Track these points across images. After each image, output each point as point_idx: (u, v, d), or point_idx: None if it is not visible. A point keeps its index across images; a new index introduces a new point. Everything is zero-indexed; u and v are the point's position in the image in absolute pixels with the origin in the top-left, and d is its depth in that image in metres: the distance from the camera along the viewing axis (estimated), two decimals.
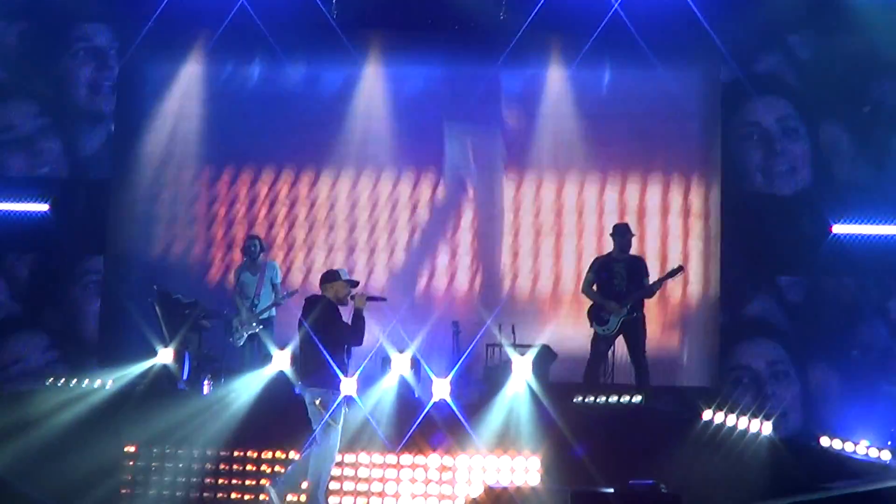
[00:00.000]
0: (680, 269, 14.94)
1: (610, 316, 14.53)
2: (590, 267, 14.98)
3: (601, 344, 14.71)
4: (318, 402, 12.05)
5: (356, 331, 12.21)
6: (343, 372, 12.10)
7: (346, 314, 12.40)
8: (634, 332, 14.55)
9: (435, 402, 13.66)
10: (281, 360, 14.68)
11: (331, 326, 12.16)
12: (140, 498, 13.61)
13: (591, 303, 14.87)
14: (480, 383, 15.74)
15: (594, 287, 14.75)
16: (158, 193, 18.65)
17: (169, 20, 17.36)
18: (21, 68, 18.21)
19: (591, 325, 14.75)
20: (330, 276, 12.48)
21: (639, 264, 14.84)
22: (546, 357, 15.10)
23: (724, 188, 17.57)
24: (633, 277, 14.62)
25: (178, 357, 15.13)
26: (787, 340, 17.09)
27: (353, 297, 12.38)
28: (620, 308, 14.45)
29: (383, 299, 13.64)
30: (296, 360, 12.54)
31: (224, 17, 17.23)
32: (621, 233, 14.91)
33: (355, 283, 12.63)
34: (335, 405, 12.07)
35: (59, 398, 14.06)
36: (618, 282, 14.61)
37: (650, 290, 14.74)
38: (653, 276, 15.00)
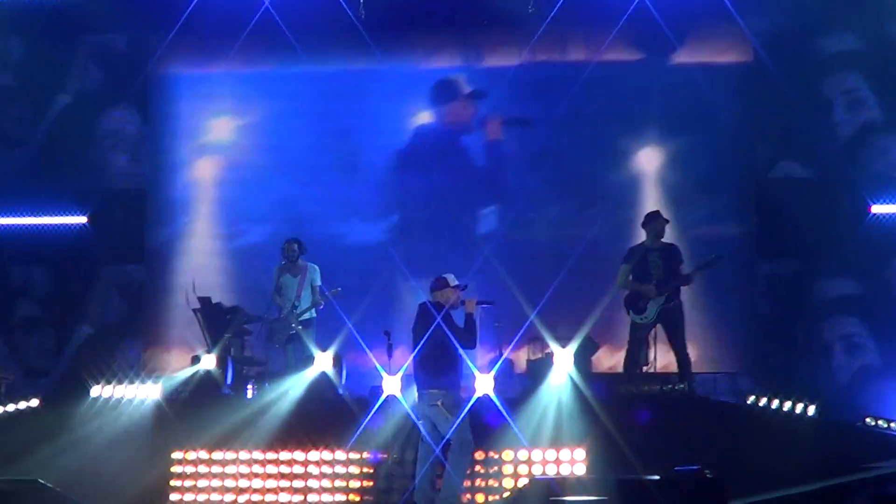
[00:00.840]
0: (719, 257, 14.78)
1: (647, 304, 14.47)
2: (624, 257, 14.90)
3: (639, 332, 14.66)
4: (440, 402, 12.22)
5: (469, 334, 12.41)
6: (460, 374, 12.34)
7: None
8: (673, 320, 14.48)
9: (478, 398, 13.69)
10: (323, 361, 14.77)
11: (443, 332, 12.34)
12: (191, 503, 13.71)
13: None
14: (524, 377, 15.76)
15: (630, 277, 14.69)
16: (195, 201, 18.75)
17: (196, 25, 17.51)
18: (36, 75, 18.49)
19: (629, 315, 14.70)
20: (439, 284, 12.66)
21: (673, 252, 14.72)
22: (587, 348, 15.10)
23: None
24: (668, 266, 14.55)
25: (221, 362, 15.22)
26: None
27: (463, 302, 12.50)
28: (658, 294, 14.39)
29: (491, 303, 13.84)
30: (418, 366, 12.62)
31: (249, 20, 17.39)
32: (654, 220, 14.84)
33: (463, 287, 12.72)
34: (459, 403, 12.24)
35: (105, 407, 14.20)
36: (654, 271, 14.53)
37: (688, 279, 14.61)
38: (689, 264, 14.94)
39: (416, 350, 12.52)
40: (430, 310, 12.54)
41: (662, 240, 14.74)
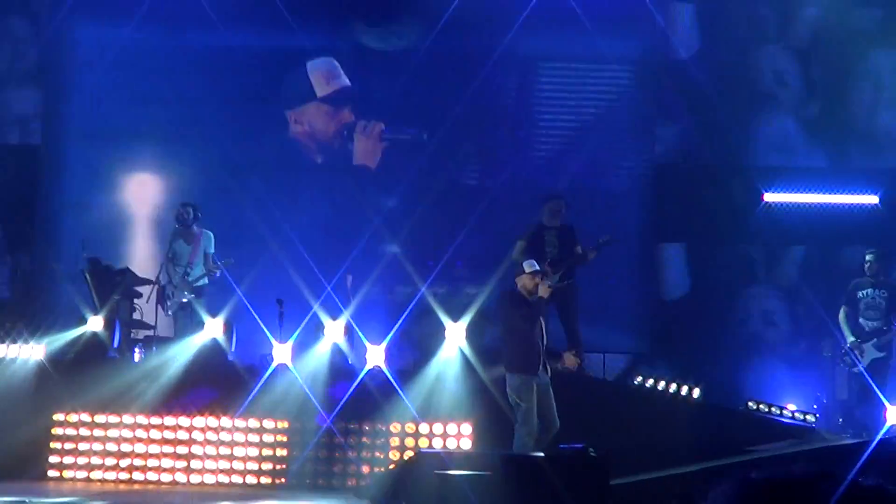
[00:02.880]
0: (613, 239, 14.87)
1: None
2: (522, 234, 14.96)
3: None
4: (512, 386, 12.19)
5: None
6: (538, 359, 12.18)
7: None
8: (565, 298, 14.55)
9: (369, 370, 13.69)
10: (213, 328, 14.66)
11: (517, 319, 12.33)
12: (69, 466, 13.54)
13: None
14: (415, 350, 15.78)
15: (524, 253, 14.73)
16: (90, 160, 18.45)
17: None
18: None
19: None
20: (517, 271, 12.60)
21: (570, 232, 14.81)
22: (481, 323, 15.14)
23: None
24: (564, 245, 14.62)
25: (109, 325, 15.01)
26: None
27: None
28: (552, 273, 14.45)
29: (568, 283, 14.03)
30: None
31: None
32: (551, 200, 14.92)
33: (542, 273, 12.64)
34: (527, 389, 12.09)
35: None
36: (549, 249, 14.60)
37: (582, 258, 14.69)
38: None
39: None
40: (507, 298, 12.60)
41: (560, 220, 14.81)
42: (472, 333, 14.47)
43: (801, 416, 13.98)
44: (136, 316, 15.92)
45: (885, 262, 15.25)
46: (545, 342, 12.33)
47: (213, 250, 15.82)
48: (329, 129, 18.51)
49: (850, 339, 14.82)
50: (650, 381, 13.76)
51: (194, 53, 18.26)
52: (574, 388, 13.59)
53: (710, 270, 17.86)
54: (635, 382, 13.98)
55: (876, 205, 17.47)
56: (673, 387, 13.61)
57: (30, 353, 14.13)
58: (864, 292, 15.01)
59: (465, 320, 14.40)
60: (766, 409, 13.97)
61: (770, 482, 1.72)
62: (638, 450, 12.35)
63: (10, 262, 18.16)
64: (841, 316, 15.07)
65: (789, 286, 17.73)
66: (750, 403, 14.10)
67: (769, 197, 17.57)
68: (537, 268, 12.51)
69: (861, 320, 14.94)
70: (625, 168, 18.45)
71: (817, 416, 14.44)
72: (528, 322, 12.21)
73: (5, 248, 18.05)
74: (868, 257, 15.14)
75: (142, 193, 18.23)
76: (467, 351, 13.94)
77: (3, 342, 14.32)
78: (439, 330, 14.56)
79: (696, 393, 13.49)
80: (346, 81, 18.43)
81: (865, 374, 14.44)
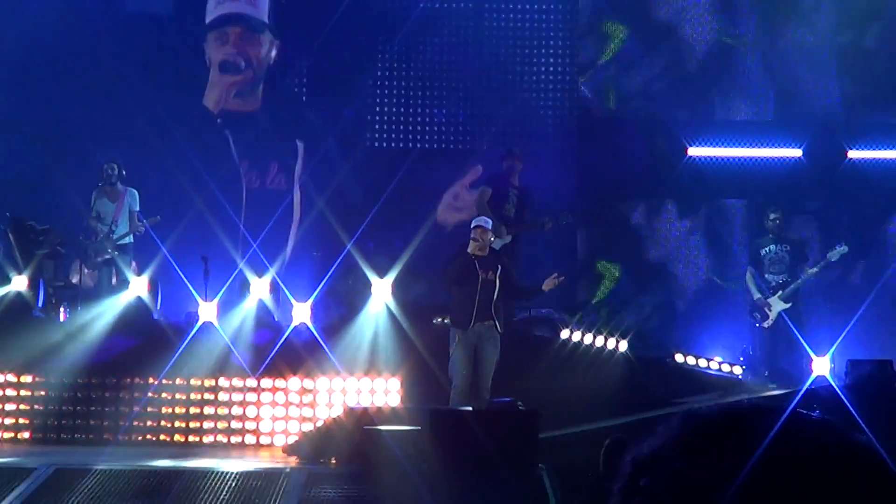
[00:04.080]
0: (571, 219, 15.16)
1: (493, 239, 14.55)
2: (487, 181, 15.24)
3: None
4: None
5: None
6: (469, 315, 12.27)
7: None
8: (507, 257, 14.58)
9: (295, 326, 13.66)
10: (138, 286, 14.54)
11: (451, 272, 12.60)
12: None
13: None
14: (341, 306, 15.75)
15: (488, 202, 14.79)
16: (10, 112, 18.15)
17: None
18: None
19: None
20: None
21: (527, 194, 14.95)
22: (407, 279, 15.14)
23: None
24: (521, 207, 14.73)
25: (33, 284, 14.85)
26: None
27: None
28: (506, 233, 14.46)
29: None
30: None
31: None
32: (507, 158, 15.00)
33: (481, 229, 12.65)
34: (455, 343, 12.29)
35: None
36: (509, 207, 14.67)
37: (539, 227, 14.83)
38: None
39: None
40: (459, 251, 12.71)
41: (518, 180, 14.85)
42: (399, 289, 14.47)
43: (728, 369, 14.15)
44: (59, 275, 15.76)
45: (786, 218, 15.63)
46: (495, 299, 12.33)
47: (137, 207, 15.67)
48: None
49: (757, 295, 15.16)
50: (578, 335, 13.81)
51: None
52: (502, 343, 13.65)
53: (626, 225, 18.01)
54: (562, 336, 14.02)
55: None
56: (600, 340, 13.69)
57: None
58: (767, 249, 15.35)
59: (391, 276, 14.39)
60: (693, 362, 14.12)
61: (717, 412, 1.72)
62: (566, 403, 12.44)
63: None
64: (747, 276, 15.47)
65: (719, 241, 17.87)
66: (677, 356, 14.24)
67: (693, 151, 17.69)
68: (479, 224, 12.56)
69: (767, 276, 15.23)
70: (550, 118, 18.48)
71: (744, 367, 14.63)
72: (464, 276, 12.27)
73: None
74: (772, 215, 15.45)
75: (65, 150, 17.95)
76: (393, 306, 13.94)
77: None
78: (366, 286, 14.55)
79: (623, 346, 13.58)
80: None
81: (792, 327, 14.64)
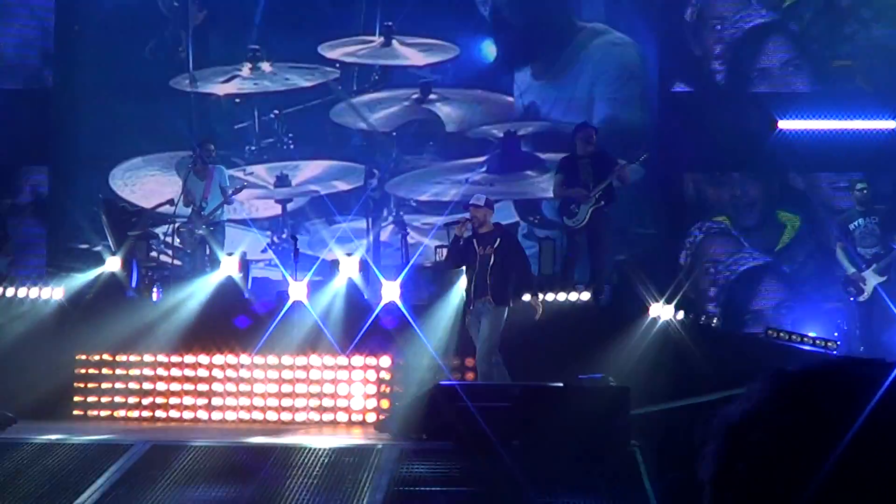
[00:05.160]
0: (646, 154, 15.01)
1: (579, 207, 14.45)
2: (556, 169, 14.99)
3: (576, 237, 14.72)
4: None
5: None
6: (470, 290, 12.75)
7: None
8: (599, 223, 14.50)
9: (384, 305, 13.70)
10: (229, 265, 14.66)
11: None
12: (93, 405, 13.62)
13: None
14: (430, 285, 15.77)
15: (563, 185, 14.72)
16: (103, 100, 18.38)
17: None
18: None
19: (563, 221, 14.72)
20: None
21: (603, 157, 14.74)
22: None
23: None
24: (599, 171, 14.54)
25: (126, 265, 15.02)
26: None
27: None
28: (588, 196, 14.39)
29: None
30: None
31: None
32: (582, 129, 14.85)
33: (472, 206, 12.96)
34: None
35: (8, 310, 14.02)
36: (585, 178, 14.53)
37: (622, 176, 14.67)
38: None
39: None
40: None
41: (592, 148, 14.71)
42: None
43: (823, 343, 13.96)
44: (152, 255, 15.94)
45: (872, 190, 15.44)
46: (489, 273, 12.53)
47: (227, 184, 15.82)
48: None
49: (850, 270, 14.99)
50: (668, 310, 13.72)
51: None
52: (591, 318, 13.62)
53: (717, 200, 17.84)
54: (652, 313, 13.93)
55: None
56: (688, 315, 13.58)
57: (50, 294, 14.16)
58: (856, 223, 15.14)
59: None
60: (787, 337, 13.95)
61: (810, 368, 1.71)
62: (657, 379, 12.38)
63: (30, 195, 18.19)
64: (839, 252, 15.32)
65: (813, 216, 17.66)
66: (769, 331, 14.09)
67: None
68: (471, 202, 12.90)
69: (860, 250, 15.04)
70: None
71: (839, 343, 14.44)
72: (461, 257, 12.78)
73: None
74: (859, 185, 15.28)
75: (155, 132, 18.16)
76: None
77: (24, 284, 14.34)
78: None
79: (715, 321, 13.48)
80: None
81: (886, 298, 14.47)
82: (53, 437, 11.30)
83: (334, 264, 14.73)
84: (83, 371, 13.71)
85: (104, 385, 13.66)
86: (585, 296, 13.88)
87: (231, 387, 13.54)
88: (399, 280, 14.04)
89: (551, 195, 15.33)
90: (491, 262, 12.50)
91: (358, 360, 13.46)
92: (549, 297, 13.80)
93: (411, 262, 15.14)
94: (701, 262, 17.51)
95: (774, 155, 17.29)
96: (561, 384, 11.32)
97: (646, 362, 12.76)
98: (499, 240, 12.66)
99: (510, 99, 18.31)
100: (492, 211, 12.98)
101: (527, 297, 12.84)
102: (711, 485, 1.76)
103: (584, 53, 18.14)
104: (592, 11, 18.40)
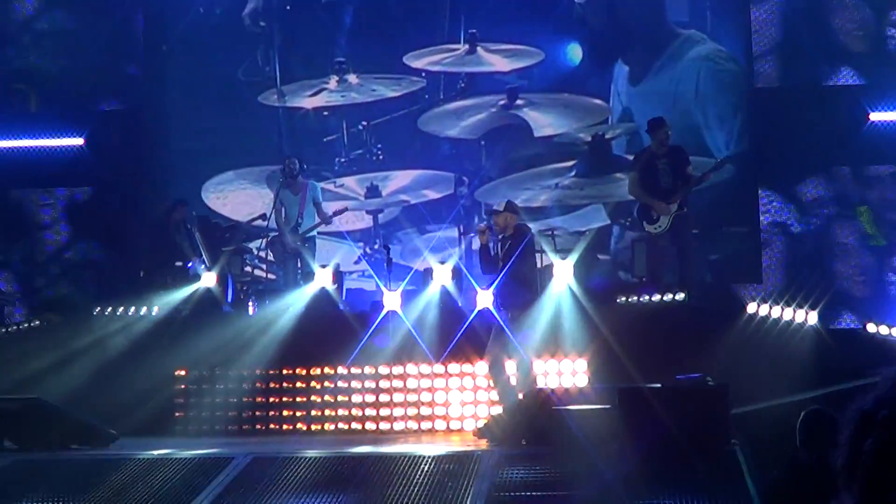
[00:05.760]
0: (726, 159, 14.84)
1: (660, 214, 14.45)
2: (632, 165, 14.91)
3: (658, 242, 14.70)
4: None
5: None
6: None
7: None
8: (683, 227, 14.49)
9: (478, 311, 13.69)
10: (323, 277, 14.74)
11: None
12: (193, 420, 13.77)
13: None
14: (524, 290, 15.72)
15: (639, 184, 14.66)
16: (194, 119, 18.60)
17: None
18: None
19: (643, 224, 14.69)
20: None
21: (680, 155, 14.65)
22: (589, 259, 15.10)
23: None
24: (676, 170, 14.47)
25: (222, 280, 15.20)
26: None
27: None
28: (668, 207, 14.35)
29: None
30: None
31: None
32: (658, 127, 14.75)
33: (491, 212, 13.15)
34: None
35: (107, 326, 14.23)
36: (663, 177, 14.47)
37: (699, 180, 14.61)
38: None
39: None
40: None
41: (668, 144, 14.64)
42: (581, 269, 14.43)
43: None
44: (247, 270, 16.10)
45: None
46: (500, 276, 12.75)
47: (321, 199, 15.94)
48: None
49: None
50: (764, 307, 13.59)
51: None
52: (687, 318, 13.53)
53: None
54: (748, 310, 13.80)
55: None
56: (789, 312, 13.43)
57: (147, 311, 14.35)
58: None
59: (573, 257, 14.34)
60: (887, 332, 13.73)
61: None
62: (756, 377, 12.25)
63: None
64: None
65: None
66: (869, 326, 13.88)
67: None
68: (494, 208, 13.00)
69: None
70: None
71: None
72: (489, 265, 12.97)
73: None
74: None
75: (246, 147, 18.35)
76: (576, 288, 13.88)
77: (125, 300, 14.56)
78: (548, 269, 14.53)
79: (814, 317, 13.31)
80: None
81: None
82: (155, 452, 11.42)
83: (428, 273, 14.76)
84: (182, 386, 13.87)
85: (204, 400, 13.80)
86: (679, 296, 13.80)
87: (329, 398, 13.61)
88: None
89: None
90: (500, 265, 12.60)
91: (454, 367, 13.48)
92: (644, 298, 13.78)
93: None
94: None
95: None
96: (658, 385, 11.24)
97: (744, 360, 12.64)
98: (509, 243, 12.68)
99: (598, 102, 18.22)
100: (514, 215, 12.94)
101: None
102: (842, 469, 1.78)
103: (681, 64, 17.95)
104: (677, 11, 18.23)
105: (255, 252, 16.38)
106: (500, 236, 12.82)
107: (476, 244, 14.06)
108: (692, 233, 14.68)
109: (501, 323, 13.37)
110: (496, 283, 12.65)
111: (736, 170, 17.00)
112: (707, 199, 16.45)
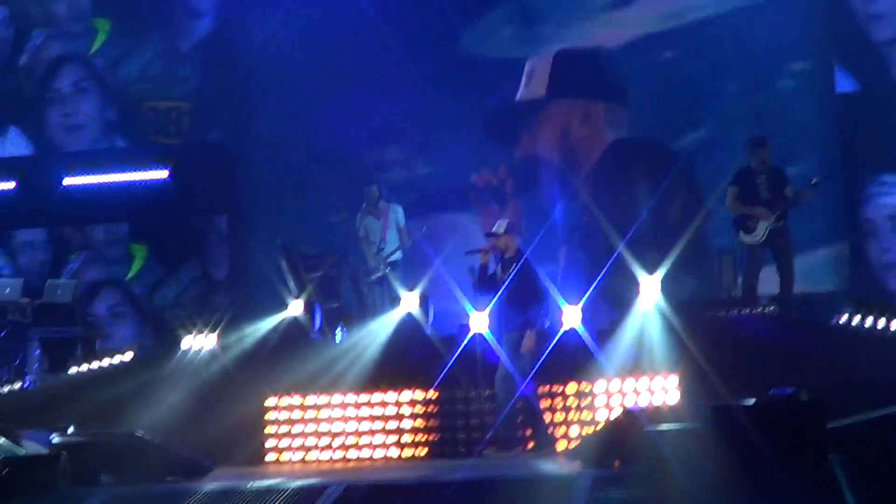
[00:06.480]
0: (822, 179, 14.72)
1: (757, 223, 14.35)
2: (731, 180, 14.83)
3: (756, 252, 14.59)
4: None
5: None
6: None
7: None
8: (781, 240, 14.41)
9: (566, 331, 13.63)
10: (410, 302, 14.75)
11: None
12: (285, 448, 13.82)
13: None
14: (611, 307, 15.66)
15: (738, 199, 14.60)
16: (278, 148, 18.73)
17: None
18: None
19: (739, 236, 14.60)
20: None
21: (780, 175, 14.61)
22: (677, 274, 14.98)
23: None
24: (775, 188, 14.42)
25: (309, 307, 15.29)
26: None
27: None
28: (769, 214, 14.27)
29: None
30: None
31: None
32: (760, 145, 14.68)
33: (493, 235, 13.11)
34: None
35: (197, 358, 14.33)
36: (762, 193, 14.41)
37: (796, 200, 14.51)
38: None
39: None
40: None
41: (769, 164, 14.58)
42: (669, 285, 14.33)
43: None
44: (333, 296, 16.14)
45: None
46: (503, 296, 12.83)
47: (404, 223, 15.98)
48: None
49: None
50: (857, 318, 13.40)
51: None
52: (779, 330, 13.37)
53: None
54: (841, 320, 13.62)
55: None
56: (882, 322, 13.23)
57: (236, 341, 14.44)
58: None
59: (660, 273, 14.25)
60: None
61: None
62: (850, 390, 12.07)
63: (227, 249, 18.66)
64: None
65: None
66: None
67: None
68: (493, 230, 12.96)
69: None
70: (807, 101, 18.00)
71: None
72: (486, 285, 13.00)
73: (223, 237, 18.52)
74: None
75: (327, 174, 18.42)
76: (664, 303, 13.79)
77: (213, 331, 14.66)
78: (634, 284, 14.44)
79: None
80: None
81: None
82: (249, 483, 11.46)
83: None
84: (273, 415, 13.93)
85: (295, 428, 13.86)
86: (769, 309, 13.67)
87: (420, 422, 13.61)
88: (580, 305, 13.97)
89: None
90: (503, 285, 12.55)
91: (542, 388, 13.41)
92: (735, 311, 13.66)
93: (592, 288, 15.03)
94: None
95: None
96: (752, 401, 11.10)
97: (839, 372, 12.47)
98: (513, 265, 12.59)
99: None
100: (514, 237, 12.93)
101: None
102: None
103: None
104: None
105: (341, 278, 16.41)
106: (502, 258, 12.79)
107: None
108: (790, 245, 14.53)
109: (591, 342, 13.33)
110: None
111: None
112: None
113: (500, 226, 13.04)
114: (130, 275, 19.20)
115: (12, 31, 19.67)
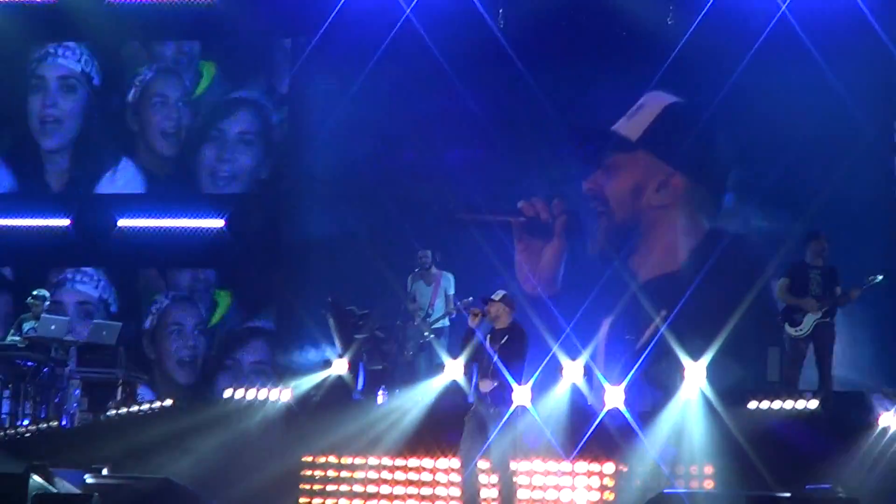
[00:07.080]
0: (881, 278, 14.64)
1: (804, 317, 14.34)
2: (785, 272, 14.82)
3: (796, 346, 14.57)
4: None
5: None
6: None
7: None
8: (825, 336, 14.39)
9: (608, 411, 13.63)
10: (453, 369, 14.77)
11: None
12: None
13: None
14: (654, 390, 15.63)
15: (788, 290, 14.59)
16: (331, 205, 18.82)
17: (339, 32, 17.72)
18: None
19: (784, 328, 14.57)
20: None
21: (834, 273, 14.60)
22: (724, 362, 14.94)
23: None
24: (828, 285, 14.43)
25: (353, 367, 15.35)
26: None
27: None
28: (817, 308, 14.26)
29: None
30: None
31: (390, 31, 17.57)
32: (815, 239, 14.69)
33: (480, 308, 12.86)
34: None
35: (237, 409, 14.41)
36: (813, 288, 14.40)
37: (846, 298, 14.48)
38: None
39: None
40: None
41: (823, 260, 14.58)
42: (715, 372, 14.30)
43: None
44: (378, 358, 16.19)
45: None
46: (483, 374, 12.43)
47: (453, 291, 16.05)
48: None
49: None
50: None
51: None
52: (818, 427, 13.29)
53: None
54: (880, 421, 13.51)
55: None
56: None
57: (278, 396, 14.51)
58: None
59: (705, 359, 14.24)
60: None
61: None
62: (887, 492, 12.01)
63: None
64: None
65: None
66: None
67: None
68: (492, 297, 12.58)
69: None
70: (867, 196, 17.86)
71: None
72: (482, 351, 12.46)
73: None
74: None
75: (381, 236, 18.46)
76: (708, 391, 13.77)
77: (254, 385, 14.73)
78: (679, 370, 14.42)
79: None
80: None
81: None
82: None
83: (558, 369, 14.72)
84: (309, 472, 13.96)
85: (329, 487, 13.88)
86: (813, 404, 13.59)
87: (455, 491, 13.60)
88: (623, 385, 13.96)
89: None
90: (493, 360, 12.35)
91: (581, 465, 13.40)
92: (776, 404, 13.58)
93: (634, 368, 15.02)
94: None
95: None
96: (788, 494, 11.07)
97: (876, 472, 12.40)
98: (506, 338, 12.49)
99: None
100: (508, 308, 12.64)
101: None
102: None
103: None
104: None
105: (388, 341, 16.44)
106: (494, 327, 12.63)
107: None
108: (833, 343, 14.47)
109: (633, 423, 13.31)
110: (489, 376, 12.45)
111: None
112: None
113: (498, 293, 12.92)
114: (214, 321, 19.25)
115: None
